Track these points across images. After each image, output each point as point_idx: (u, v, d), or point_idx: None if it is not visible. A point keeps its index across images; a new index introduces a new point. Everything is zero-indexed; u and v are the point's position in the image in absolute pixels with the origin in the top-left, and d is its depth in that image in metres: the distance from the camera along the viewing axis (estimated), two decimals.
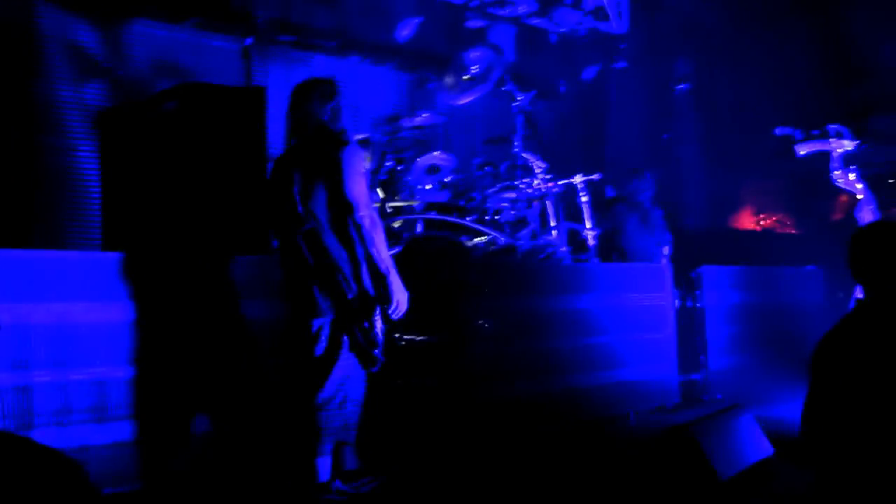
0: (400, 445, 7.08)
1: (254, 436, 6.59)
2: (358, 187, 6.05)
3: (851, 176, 9.88)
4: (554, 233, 9.97)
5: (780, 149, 14.31)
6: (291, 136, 6.36)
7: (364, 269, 6.09)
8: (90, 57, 9.58)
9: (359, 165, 6.18)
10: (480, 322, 7.93)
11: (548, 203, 9.99)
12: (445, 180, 9.69)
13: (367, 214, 6.04)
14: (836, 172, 9.90)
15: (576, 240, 10.54)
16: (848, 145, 10.01)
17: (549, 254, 9.71)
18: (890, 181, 14.54)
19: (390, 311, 6.16)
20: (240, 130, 7.26)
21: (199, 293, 6.49)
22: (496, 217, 9.66)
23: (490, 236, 9.35)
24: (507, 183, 9.75)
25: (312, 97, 6.33)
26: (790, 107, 13.98)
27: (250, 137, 7.32)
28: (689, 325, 10.49)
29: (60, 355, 5.85)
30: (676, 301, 10.31)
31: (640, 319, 9.68)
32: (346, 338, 6.09)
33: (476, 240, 9.39)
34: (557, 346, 8.26)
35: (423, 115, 9.79)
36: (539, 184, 9.85)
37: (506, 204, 9.72)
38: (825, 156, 10.21)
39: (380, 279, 6.11)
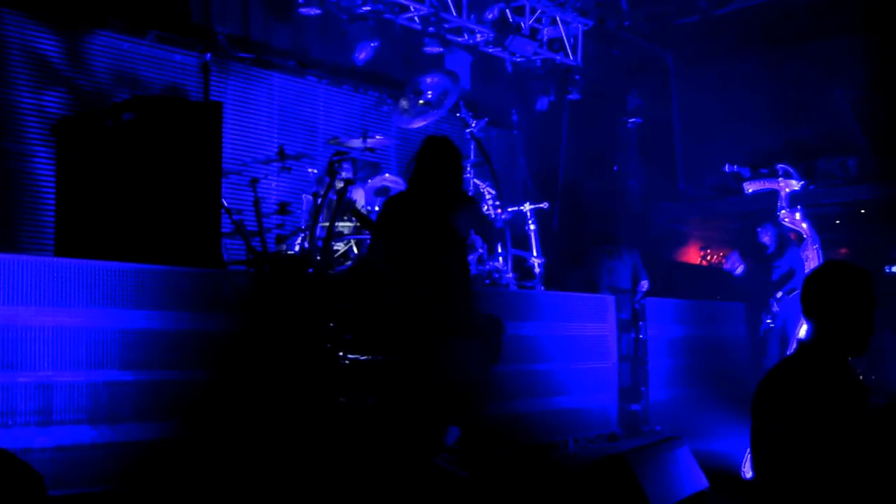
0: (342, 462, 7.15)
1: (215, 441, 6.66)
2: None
3: (797, 215, 10.09)
4: (501, 259, 10.07)
5: (729, 185, 14.64)
6: (422, 183, 7.34)
7: None
8: (51, 65, 9.62)
9: None
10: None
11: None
12: None
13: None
14: (782, 211, 10.10)
15: (522, 267, 10.66)
16: (795, 185, 10.21)
17: (495, 279, 9.81)
18: (836, 221, 14.83)
19: None
20: (196, 144, 7.32)
21: (155, 299, 6.54)
22: None
23: None
24: None
25: (450, 157, 7.38)
26: (739, 144, 14.22)
27: (206, 151, 7.38)
28: (631, 355, 10.63)
29: (7, 357, 5.84)
30: (619, 332, 10.44)
31: (583, 348, 9.79)
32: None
33: None
34: (500, 370, 8.32)
35: (376, 137, 9.86)
36: (488, 210, 9.95)
37: None
38: (772, 194, 10.41)
39: None
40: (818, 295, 4.16)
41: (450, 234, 7.24)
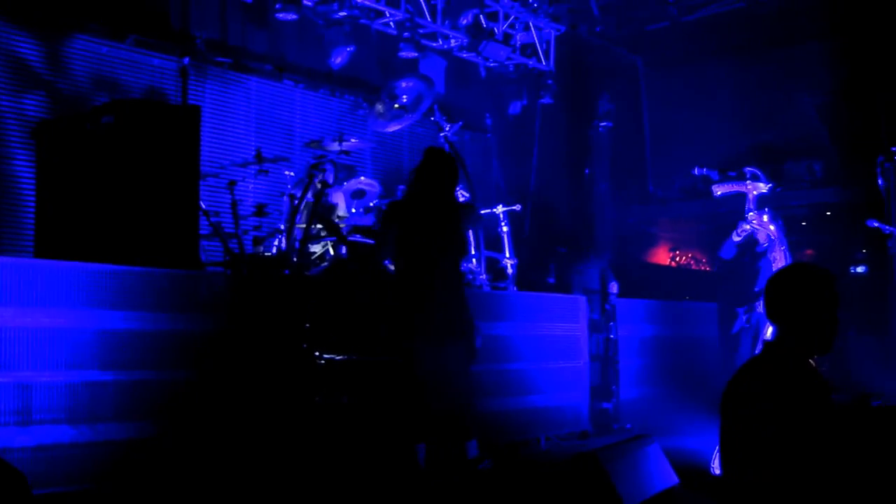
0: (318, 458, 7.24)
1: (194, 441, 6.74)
2: None
3: (765, 217, 10.20)
4: (474, 261, 10.17)
5: (698, 188, 14.78)
6: (426, 192, 7.51)
7: None
8: (31, 69, 9.65)
9: None
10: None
11: (469, 232, 10.18)
12: (370, 205, 9.89)
13: None
14: (750, 213, 10.20)
15: (495, 268, 10.77)
16: (763, 187, 10.31)
17: (469, 281, 9.90)
18: (803, 223, 15.02)
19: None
20: (174, 147, 7.41)
21: (134, 300, 6.61)
22: None
23: None
24: None
25: (452, 168, 7.62)
26: (708, 148, 14.35)
27: (184, 154, 7.48)
28: (602, 355, 10.75)
29: None
30: (591, 331, 10.55)
31: (555, 348, 9.91)
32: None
33: None
34: (474, 369, 8.41)
35: (352, 140, 9.94)
36: None
37: None
38: (740, 197, 10.53)
39: None
40: (782, 297, 4.18)
41: (454, 240, 7.48)
